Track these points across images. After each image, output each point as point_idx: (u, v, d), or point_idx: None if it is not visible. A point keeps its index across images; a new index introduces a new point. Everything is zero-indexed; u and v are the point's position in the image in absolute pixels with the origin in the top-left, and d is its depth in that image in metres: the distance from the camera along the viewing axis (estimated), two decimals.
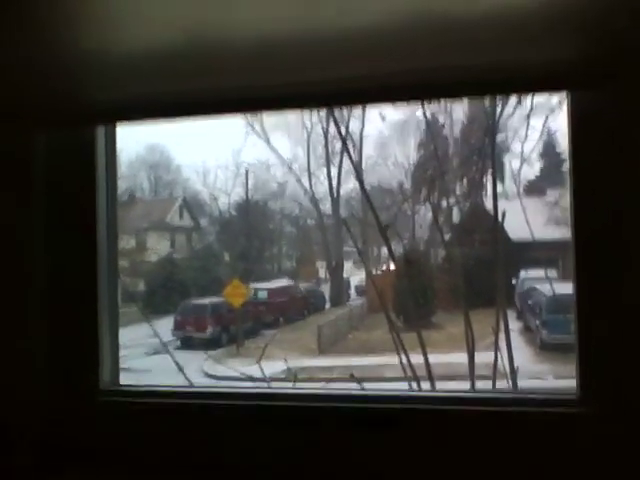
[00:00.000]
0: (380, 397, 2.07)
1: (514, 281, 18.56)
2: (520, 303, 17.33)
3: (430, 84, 1.74)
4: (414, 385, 2.37)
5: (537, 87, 1.93)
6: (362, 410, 2.02)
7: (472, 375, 2.24)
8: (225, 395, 2.20)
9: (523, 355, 3.36)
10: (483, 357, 12.67)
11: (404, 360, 2.33)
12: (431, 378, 2.13)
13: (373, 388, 2.17)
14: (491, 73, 1.73)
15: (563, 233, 2.50)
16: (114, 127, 2.15)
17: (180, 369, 3.00)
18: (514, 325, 14.45)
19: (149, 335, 19.58)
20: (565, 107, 1.99)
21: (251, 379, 3.03)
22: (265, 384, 2.82)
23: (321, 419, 2.03)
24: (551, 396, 2.01)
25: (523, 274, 18.45)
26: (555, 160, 31.09)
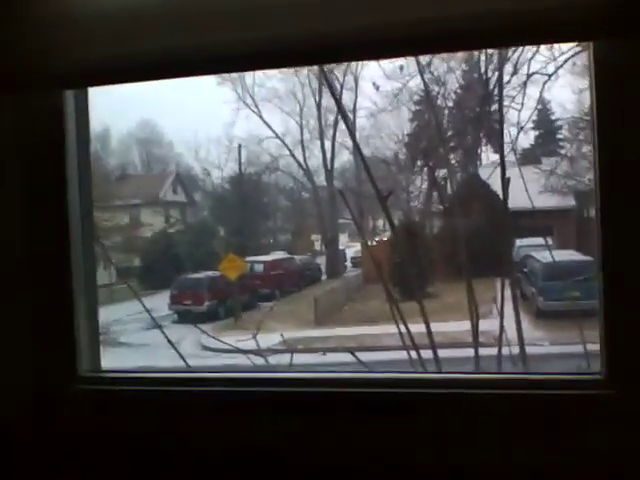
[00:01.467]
0: (392, 381, 1.97)
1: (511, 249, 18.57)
2: (516, 271, 17.39)
3: (452, 32, 1.59)
4: (413, 355, 2.34)
5: (562, 37, 1.82)
6: (372, 395, 1.93)
7: (476, 344, 2.18)
8: (215, 381, 2.07)
9: (523, 323, 3.38)
10: (481, 325, 12.73)
11: (402, 330, 2.30)
12: (434, 347, 2.05)
13: (382, 371, 2.02)
14: (516, 21, 1.60)
15: (558, 201, 2.45)
16: (85, 91, 1.99)
17: (172, 345, 2.79)
18: (508, 293, 14.49)
19: (145, 310, 19.64)
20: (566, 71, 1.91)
21: (249, 352, 3.00)
22: (262, 360, 2.71)
23: (321, 405, 1.93)
24: (574, 377, 1.94)
25: (518, 242, 18.47)
26: (550, 129, 30.98)
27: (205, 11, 1.69)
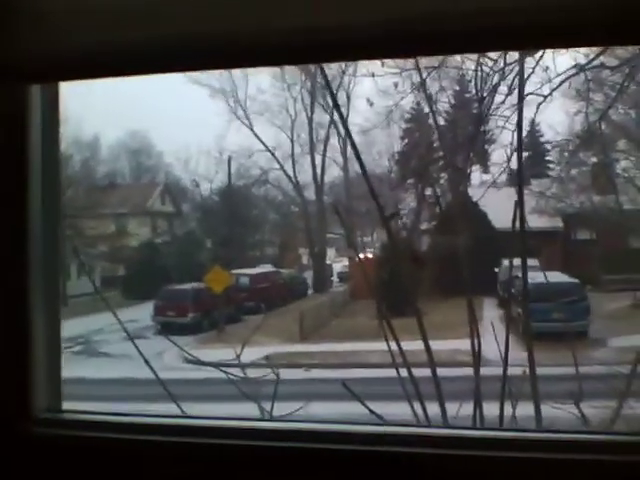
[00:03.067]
0: (410, 438, 1.50)
1: (497, 270, 18.63)
2: (502, 291, 17.35)
3: (495, 28, 1.38)
4: (401, 372, 2.24)
5: (615, 40, 1.65)
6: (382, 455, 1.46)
7: (477, 363, 2.01)
8: (194, 430, 1.64)
9: (509, 344, 3.30)
10: (466, 344, 12.56)
11: (390, 347, 2.20)
12: (433, 365, 1.88)
13: (393, 423, 1.65)
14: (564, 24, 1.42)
15: (545, 222, 2.33)
16: (55, 85, 1.77)
17: (145, 361, 2.28)
18: (496, 313, 14.42)
19: (129, 320, 19.43)
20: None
21: (231, 365, 2.90)
22: (247, 421, 2.48)
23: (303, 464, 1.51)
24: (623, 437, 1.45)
25: (506, 262, 18.50)
26: (539, 150, 31.23)
27: (177, 2, 1.53)
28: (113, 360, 14.99)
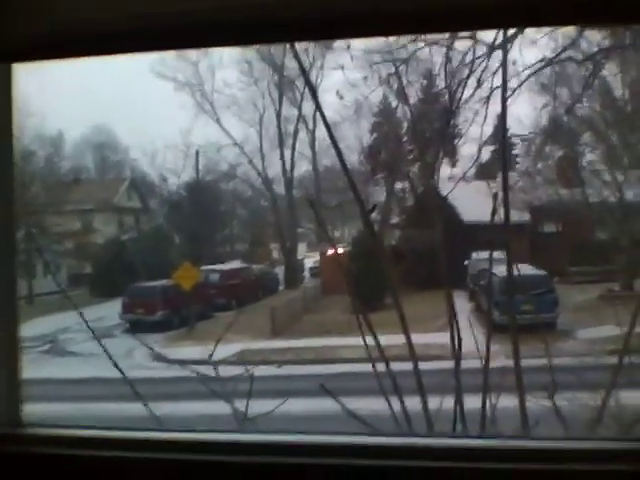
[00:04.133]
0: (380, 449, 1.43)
1: (466, 263, 18.80)
2: (472, 284, 17.52)
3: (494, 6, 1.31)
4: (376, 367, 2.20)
5: (615, 18, 1.58)
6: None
7: (458, 358, 1.96)
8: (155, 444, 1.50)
9: (477, 336, 3.31)
10: (437, 338, 12.65)
11: (366, 341, 2.15)
12: (414, 358, 1.83)
13: (385, 434, 1.55)
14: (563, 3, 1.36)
15: (512, 216, 2.29)
16: (7, 70, 1.60)
17: (114, 363, 2.13)
18: (466, 306, 14.57)
19: (97, 318, 19.11)
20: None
21: (201, 363, 2.82)
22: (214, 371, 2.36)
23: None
24: (625, 445, 1.40)
25: (475, 256, 18.72)
26: (506, 144, 31.52)
27: None
28: (81, 359, 14.70)
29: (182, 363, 6.28)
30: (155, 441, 1.49)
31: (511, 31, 6.33)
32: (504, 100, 1.81)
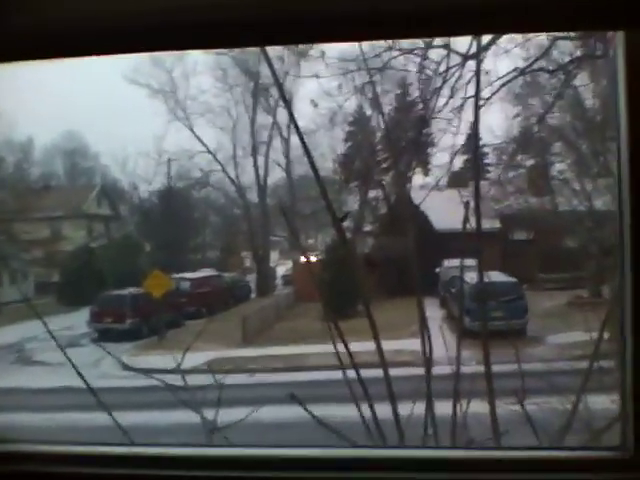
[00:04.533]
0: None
1: (437, 270, 18.94)
2: (443, 291, 17.63)
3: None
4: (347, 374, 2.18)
5: (594, 25, 1.60)
6: None
7: (429, 365, 1.94)
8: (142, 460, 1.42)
9: (448, 342, 3.32)
10: (408, 344, 12.68)
11: (337, 349, 2.13)
12: (385, 365, 1.80)
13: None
14: (551, 8, 1.37)
15: (483, 224, 2.28)
16: None
17: (78, 372, 2.04)
18: (437, 313, 14.65)
19: (65, 327, 18.75)
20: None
21: (171, 372, 2.76)
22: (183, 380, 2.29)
23: None
24: (594, 454, 1.40)
25: (446, 263, 18.86)
26: (477, 154, 31.95)
27: None
28: (48, 369, 14.40)
29: (150, 372, 6.15)
30: (126, 456, 1.44)
31: (485, 40, 6.42)
32: (477, 108, 1.81)
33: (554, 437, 2.41)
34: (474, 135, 1.49)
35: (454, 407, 1.86)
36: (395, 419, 1.78)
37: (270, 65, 1.79)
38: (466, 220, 1.95)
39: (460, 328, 1.93)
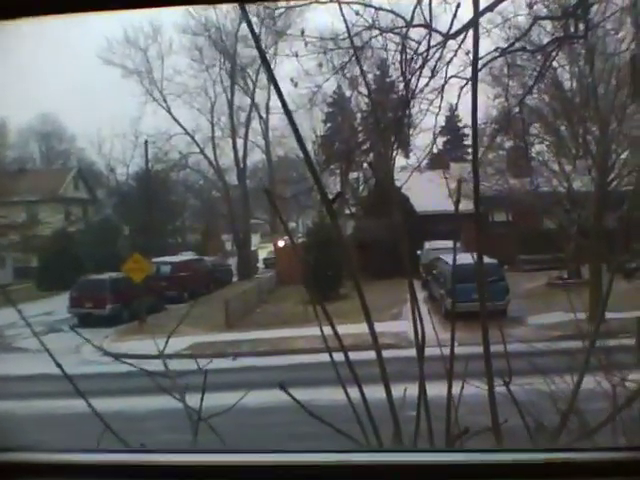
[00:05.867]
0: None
1: (419, 252, 19.02)
2: (425, 273, 17.70)
3: None
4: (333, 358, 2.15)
5: None
6: None
7: (421, 347, 1.90)
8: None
9: (428, 323, 3.31)
10: (390, 327, 12.68)
11: (321, 331, 2.09)
12: (378, 348, 1.76)
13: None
14: None
15: (465, 205, 2.25)
16: None
17: (53, 359, 1.91)
18: (419, 295, 14.71)
19: (44, 312, 18.52)
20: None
21: (153, 357, 2.71)
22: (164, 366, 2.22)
23: None
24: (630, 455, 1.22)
25: (427, 245, 18.95)
26: (458, 135, 32.14)
27: None
28: (29, 355, 14.22)
29: (131, 359, 6.05)
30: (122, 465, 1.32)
31: (466, 20, 6.36)
32: (475, 80, 1.76)
33: (544, 419, 2.41)
34: (473, 111, 1.42)
35: (449, 388, 1.83)
36: (388, 401, 1.74)
37: (256, 39, 1.72)
38: (458, 200, 1.91)
39: (453, 310, 1.91)
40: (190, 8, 34.53)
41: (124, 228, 29.94)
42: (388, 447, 1.74)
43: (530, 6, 6.15)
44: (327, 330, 2.24)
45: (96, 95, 34.36)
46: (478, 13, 1.64)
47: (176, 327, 2.98)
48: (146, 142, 27.37)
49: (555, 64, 10.66)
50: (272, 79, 1.61)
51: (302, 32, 6.19)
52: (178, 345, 11.96)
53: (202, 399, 2.01)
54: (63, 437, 6.98)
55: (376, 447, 1.63)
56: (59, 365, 1.91)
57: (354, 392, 2.01)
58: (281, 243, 24.84)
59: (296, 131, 1.54)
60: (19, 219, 28.59)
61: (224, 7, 26.45)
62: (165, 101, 28.93)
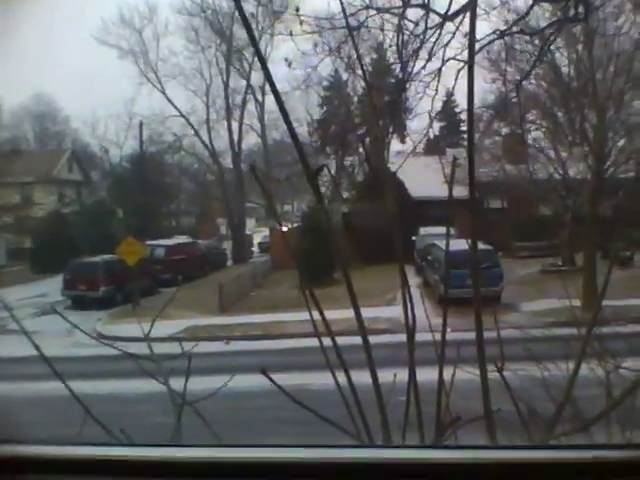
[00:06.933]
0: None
1: (413, 238, 18.98)
2: (419, 259, 17.69)
3: None
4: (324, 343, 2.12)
5: None
6: None
7: (411, 332, 1.85)
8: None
9: (422, 309, 3.28)
10: (384, 312, 12.68)
11: (311, 316, 2.05)
12: (364, 334, 1.71)
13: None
14: None
15: (460, 191, 2.18)
16: None
17: (29, 339, 1.79)
18: (413, 280, 14.74)
19: (38, 294, 18.42)
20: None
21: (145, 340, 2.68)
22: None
23: None
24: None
25: (422, 231, 18.91)
26: (454, 120, 31.99)
27: None
28: (22, 337, 14.20)
29: (125, 340, 6.00)
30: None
31: (464, 2, 6.26)
32: (472, 62, 1.69)
33: (537, 406, 2.38)
34: (469, 94, 1.37)
35: (440, 374, 1.78)
36: (375, 386, 1.69)
37: (246, 23, 1.67)
38: (452, 180, 1.84)
39: (446, 295, 1.86)
40: None
41: (118, 210, 29.77)
42: (375, 443, 1.67)
43: None
44: (319, 315, 2.21)
45: (91, 76, 34.05)
46: None
47: (161, 310, 2.92)
48: (141, 124, 27.17)
49: (553, 48, 10.54)
50: (259, 56, 1.55)
51: (297, 9, 6.07)
52: (174, 328, 11.94)
53: (186, 383, 1.97)
54: (48, 419, 6.97)
55: (362, 443, 1.56)
56: (37, 347, 1.85)
57: (353, 376, 1.98)
58: (284, 228, 24.79)
59: (281, 106, 1.48)
60: (13, 200, 28.43)
61: None
62: (160, 82, 28.67)
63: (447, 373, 2.37)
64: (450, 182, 1.79)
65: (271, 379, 1.55)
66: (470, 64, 1.43)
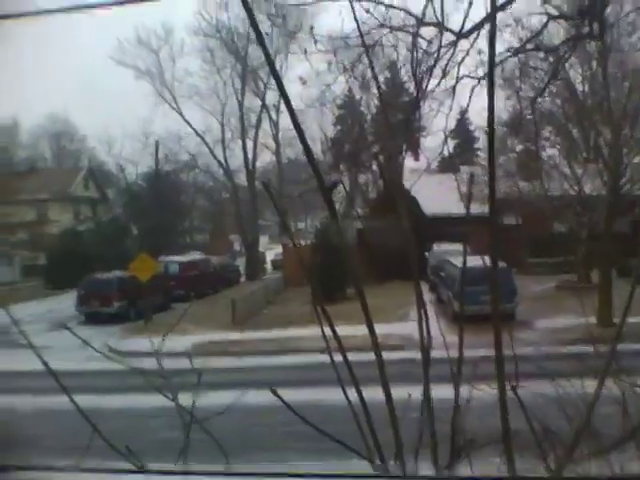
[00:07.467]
0: None
1: (426, 254, 18.91)
2: (433, 276, 17.59)
3: None
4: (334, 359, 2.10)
5: None
6: None
7: (427, 352, 1.83)
8: None
9: (436, 326, 3.25)
10: (397, 328, 12.59)
11: (323, 332, 2.04)
12: (377, 350, 1.69)
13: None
14: None
15: (474, 208, 2.17)
16: None
17: (37, 354, 1.77)
18: (427, 297, 14.66)
19: (51, 309, 18.54)
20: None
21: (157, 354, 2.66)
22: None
23: None
24: None
25: (436, 247, 18.82)
26: (468, 138, 31.98)
27: None
28: (33, 352, 14.26)
29: (138, 355, 6.00)
30: None
31: (478, 18, 6.28)
32: (491, 76, 1.69)
33: (552, 425, 2.34)
34: (489, 109, 1.35)
35: (456, 392, 1.75)
36: (389, 409, 1.67)
37: (262, 42, 1.67)
38: (470, 195, 1.83)
39: (462, 312, 1.84)
40: (202, 9, 34.38)
41: (133, 228, 30.00)
42: (385, 473, 1.62)
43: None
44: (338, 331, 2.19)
45: (108, 96, 34.50)
46: (495, 7, 1.57)
47: (173, 326, 2.93)
48: (157, 142, 27.45)
49: (567, 66, 10.53)
50: (274, 73, 1.55)
51: (311, 28, 6.14)
52: (186, 343, 11.93)
53: (194, 400, 1.95)
54: (55, 432, 6.98)
55: (375, 464, 1.52)
56: (45, 363, 1.84)
57: (365, 393, 1.96)
58: (298, 245, 24.80)
59: (296, 124, 1.48)
60: (28, 217, 28.75)
61: (236, 9, 26.55)
62: (176, 102, 29.02)
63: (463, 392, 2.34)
64: (468, 199, 1.77)
65: (281, 398, 1.53)
66: (490, 78, 1.42)
